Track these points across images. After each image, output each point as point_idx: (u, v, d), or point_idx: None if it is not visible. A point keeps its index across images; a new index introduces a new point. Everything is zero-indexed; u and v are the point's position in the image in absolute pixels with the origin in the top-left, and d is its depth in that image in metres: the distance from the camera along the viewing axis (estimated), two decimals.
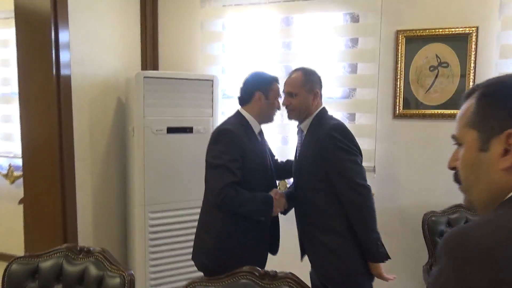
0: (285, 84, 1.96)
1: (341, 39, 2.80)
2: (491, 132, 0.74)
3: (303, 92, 1.89)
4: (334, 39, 2.80)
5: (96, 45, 2.66)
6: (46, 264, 1.68)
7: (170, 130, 2.64)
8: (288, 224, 2.15)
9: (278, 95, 2.00)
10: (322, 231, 1.84)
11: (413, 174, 2.68)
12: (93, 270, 1.63)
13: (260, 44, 2.90)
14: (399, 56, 2.66)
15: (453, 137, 0.84)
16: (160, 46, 3.16)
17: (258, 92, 1.94)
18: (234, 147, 1.83)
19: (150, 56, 3.10)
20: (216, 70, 3.02)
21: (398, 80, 2.68)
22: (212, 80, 2.74)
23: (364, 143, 2.77)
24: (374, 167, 2.74)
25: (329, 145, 1.77)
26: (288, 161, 2.23)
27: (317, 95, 1.92)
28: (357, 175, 1.75)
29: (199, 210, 2.72)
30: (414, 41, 2.64)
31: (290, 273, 1.51)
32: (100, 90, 2.71)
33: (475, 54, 2.54)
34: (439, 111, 2.63)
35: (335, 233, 1.81)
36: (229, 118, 2.00)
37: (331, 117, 1.94)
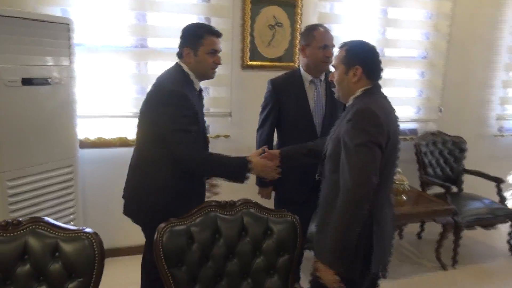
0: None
1: None
2: (351, 66, 1.56)
3: None
4: None
5: None
6: None
7: (26, 81, 2.23)
8: None
9: (212, 50, 1.86)
10: None
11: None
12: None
13: None
14: (246, 14, 3.05)
15: (333, 65, 1.66)
16: None
17: (186, 48, 1.86)
18: (191, 110, 1.81)
19: None
20: (55, 11, 2.63)
21: (246, 35, 3.08)
22: (69, 24, 2.41)
23: (222, 92, 3.10)
24: (231, 112, 3.12)
25: None
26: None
27: None
28: None
29: (65, 171, 2.48)
30: (257, 1, 3.06)
31: (247, 198, 1.77)
32: None
33: (301, 18, 3.19)
34: (277, 63, 3.21)
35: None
36: (171, 73, 1.90)
37: None
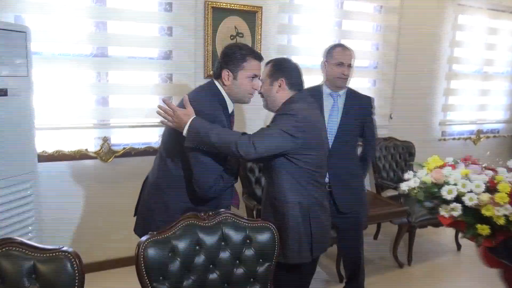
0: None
1: (156, 1, 2.91)
2: (274, 80, 1.86)
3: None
4: (150, 1, 2.88)
5: None
6: None
7: None
8: None
9: (253, 74, 1.84)
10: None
11: None
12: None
13: None
14: (208, 24, 3.07)
15: (260, 79, 1.90)
16: None
17: (225, 70, 1.81)
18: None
19: None
20: (8, 17, 2.49)
21: (207, 44, 3.09)
22: (25, 32, 2.29)
23: None
24: None
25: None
26: None
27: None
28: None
29: (23, 187, 2.35)
30: (219, 11, 3.09)
31: (226, 209, 1.78)
32: None
33: (261, 28, 3.27)
34: None
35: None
36: (205, 91, 1.85)
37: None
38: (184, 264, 1.61)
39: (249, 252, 1.73)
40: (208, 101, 1.80)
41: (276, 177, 1.88)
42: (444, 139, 4.43)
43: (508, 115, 4.88)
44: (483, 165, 1.43)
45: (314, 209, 1.91)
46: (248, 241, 1.74)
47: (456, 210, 1.27)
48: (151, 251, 1.54)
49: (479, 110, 4.63)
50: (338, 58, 2.35)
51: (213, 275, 1.68)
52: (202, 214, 1.73)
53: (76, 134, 2.80)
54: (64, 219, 2.83)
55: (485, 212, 1.22)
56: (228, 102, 1.87)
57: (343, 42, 3.66)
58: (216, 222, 1.74)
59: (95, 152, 2.86)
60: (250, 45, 3.23)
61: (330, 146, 2.34)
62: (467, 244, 3.50)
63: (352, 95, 2.47)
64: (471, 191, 1.26)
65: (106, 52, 2.83)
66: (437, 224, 3.46)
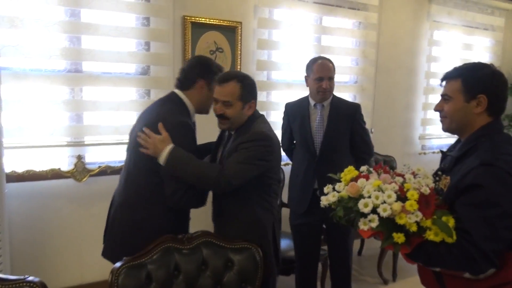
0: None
1: (133, 16, 2.85)
2: (247, 100, 1.80)
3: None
4: (126, 16, 2.82)
5: None
6: None
7: None
8: None
9: None
10: None
11: None
12: None
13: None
14: (187, 39, 3.02)
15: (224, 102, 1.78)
16: None
17: (202, 80, 1.84)
18: (193, 143, 1.81)
19: None
20: None
21: (186, 60, 3.03)
22: None
23: None
24: None
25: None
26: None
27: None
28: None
29: None
30: (197, 26, 3.05)
31: (205, 230, 1.71)
32: None
33: (241, 43, 3.24)
34: None
35: None
36: (169, 103, 1.83)
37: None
38: None
39: (230, 275, 1.65)
40: (174, 110, 1.79)
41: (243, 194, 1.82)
42: (424, 153, 4.46)
43: None
44: (392, 172, 1.44)
45: (277, 223, 1.97)
46: (229, 263, 1.67)
47: (374, 221, 1.29)
48: (125, 279, 1.45)
49: None
50: (317, 73, 2.40)
51: None
52: (180, 237, 1.65)
53: (49, 153, 2.66)
54: (36, 242, 2.68)
55: (399, 220, 1.26)
56: (192, 112, 1.88)
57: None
58: (195, 244, 1.66)
59: (68, 171, 2.73)
60: (230, 60, 3.20)
61: (317, 154, 2.47)
62: None
63: (337, 104, 2.51)
64: (384, 202, 1.29)
65: (81, 67, 2.73)
66: None
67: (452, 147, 1.56)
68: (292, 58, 3.46)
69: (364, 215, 1.31)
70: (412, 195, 1.28)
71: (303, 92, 3.56)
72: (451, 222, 1.26)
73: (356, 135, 2.48)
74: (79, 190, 2.82)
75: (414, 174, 1.41)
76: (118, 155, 2.90)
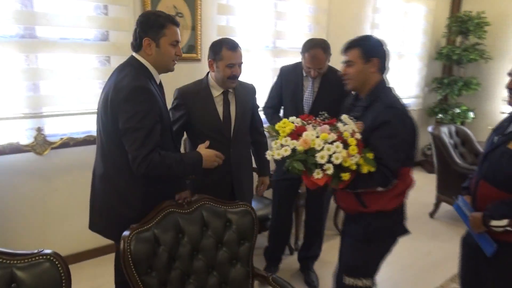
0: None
1: None
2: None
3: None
4: None
5: None
6: None
7: None
8: None
9: (174, 41, 1.75)
10: None
11: None
12: None
13: None
14: (146, 3, 2.90)
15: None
16: None
17: (146, 38, 1.70)
18: (154, 107, 1.65)
19: None
20: None
21: None
22: None
23: None
24: None
25: None
26: None
27: None
28: None
29: None
30: None
31: (202, 194, 1.77)
32: None
33: (201, 8, 3.18)
34: None
35: None
36: (128, 68, 1.70)
37: None
38: (169, 254, 1.58)
39: (230, 234, 1.75)
40: (133, 75, 1.66)
41: None
42: None
43: (417, 91, 5.43)
44: (322, 119, 1.76)
45: None
46: (228, 223, 1.76)
47: (330, 169, 1.52)
48: (136, 245, 1.48)
49: (397, 87, 5.05)
50: (307, 63, 2.42)
51: (198, 261, 1.68)
52: (180, 202, 1.70)
53: (5, 126, 2.48)
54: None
55: (345, 164, 1.53)
56: (154, 72, 1.76)
57: (278, 23, 3.74)
58: (195, 208, 1.72)
59: (28, 145, 2.58)
60: (190, 25, 3.15)
61: None
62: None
63: (329, 74, 2.50)
64: (335, 152, 1.54)
65: (34, 32, 2.53)
66: None
67: (352, 100, 1.95)
68: (251, 23, 3.48)
69: (321, 166, 1.52)
70: (352, 141, 1.57)
71: (264, 58, 3.64)
72: (371, 155, 1.62)
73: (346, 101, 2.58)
74: (41, 164, 2.69)
75: (339, 121, 1.70)
76: (81, 126, 2.79)
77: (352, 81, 1.80)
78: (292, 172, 1.57)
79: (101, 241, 3.01)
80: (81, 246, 2.96)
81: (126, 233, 1.49)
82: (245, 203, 1.82)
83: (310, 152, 1.55)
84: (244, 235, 1.77)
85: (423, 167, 5.66)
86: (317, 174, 1.53)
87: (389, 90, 1.83)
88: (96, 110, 1.81)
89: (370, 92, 1.79)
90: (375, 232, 1.81)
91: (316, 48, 2.38)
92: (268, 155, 1.63)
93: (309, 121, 1.72)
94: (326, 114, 1.80)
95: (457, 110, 5.16)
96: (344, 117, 1.71)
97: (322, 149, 1.53)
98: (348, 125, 1.65)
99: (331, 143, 1.55)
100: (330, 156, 1.52)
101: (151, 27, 1.69)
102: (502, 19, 5.06)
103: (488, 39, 4.98)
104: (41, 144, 2.63)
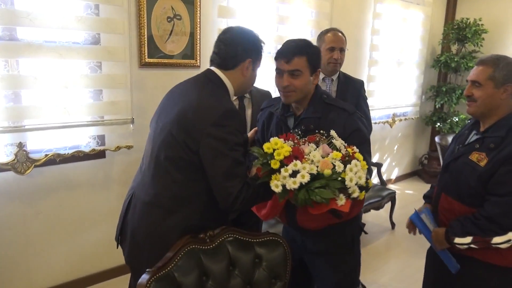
0: None
1: None
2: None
3: None
4: None
5: None
6: None
7: None
8: None
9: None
10: None
11: None
12: None
13: None
14: (142, 4, 2.61)
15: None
16: None
17: (249, 59, 1.51)
18: (243, 133, 1.48)
19: None
20: None
21: (142, 27, 2.64)
22: None
23: (119, 95, 2.61)
24: (132, 118, 2.65)
25: None
26: None
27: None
28: None
29: None
30: None
31: (224, 226, 1.49)
32: None
33: (200, 10, 2.91)
34: (177, 60, 2.87)
35: None
36: (209, 84, 1.47)
37: None
38: None
39: (260, 272, 1.48)
40: (218, 95, 1.46)
41: None
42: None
43: (415, 99, 5.30)
44: (304, 140, 1.48)
45: None
46: (257, 260, 1.49)
47: (356, 192, 1.33)
48: None
49: (394, 95, 4.92)
50: (329, 43, 2.37)
51: None
52: (202, 236, 1.42)
53: None
54: None
55: (360, 181, 1.35)
56: (231, 93, 1.55)
57: (280, 26, 3.53)
58: (219, 243, 1.44)
59: (7, 163, 2.23)
60: (189, 28, 2.87)
61: None
62: (400, 222, 3.73)
63: (344, 79, 2.51)
64: (356, 172, 1.36)
65: (15, 34, 2.21)
66: (378, 207, 3.59)
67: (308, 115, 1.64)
68: (253, 27, 3.22)
69: (345, 189, 1.32)
70: (359, 156, 1.40)
71: (266, 63, 3.40)
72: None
73: (360, 110, 2.44)
74: (22, 185, 2.35)
75: (325, 135, 1.48)
76: (68, 141, 2.46)
77: (297, 94, 1.57)
78: (304, 204, 1.29)
79: (90, 269, 2.71)
80: (68, 276, 2.62)
81: (143, 279, 1.20)
82: (273, 233, 1.55)
83: (334, 175, 1.33)
84: (275, 273, 1.50)
85: (420, 176, 5.53)
86: (341, 200, 1.30)
87: (331, 96, 1.74)
88: (153, 125, 1.56)
89: (315, 102, 1.61)
90: (354, 237, 1.73)
91: (334, 30, 2.46)
92: (275, 186, 1.31)
93: (292, 140, 1.44)
94: (299, 132, 1.53)
95: (456, 119, 5.06)
96: (332, 132, 1.48)
97: (343, 171, 1.33)
98: (338, 140, 1.47)
99: (348, 162, 1.36)
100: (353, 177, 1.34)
101: (255, 48, 1.56)
102: (497, 26, 5.00)
103: (484, 46, 4.91)
104: (22, 161, 2.29)
